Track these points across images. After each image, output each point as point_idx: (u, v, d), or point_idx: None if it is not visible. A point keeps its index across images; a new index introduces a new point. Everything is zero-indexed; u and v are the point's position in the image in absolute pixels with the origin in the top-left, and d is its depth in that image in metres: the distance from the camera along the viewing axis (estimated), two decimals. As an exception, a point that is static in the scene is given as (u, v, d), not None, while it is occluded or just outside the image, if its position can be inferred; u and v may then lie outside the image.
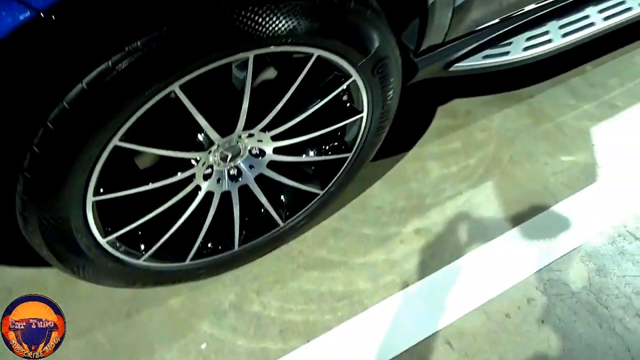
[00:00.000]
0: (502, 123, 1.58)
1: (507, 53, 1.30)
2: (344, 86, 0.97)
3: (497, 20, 1.19)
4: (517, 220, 1.39)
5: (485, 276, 1.28)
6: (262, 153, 1.06)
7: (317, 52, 0.86)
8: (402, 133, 1.50)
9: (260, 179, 1.10)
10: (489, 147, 1.53)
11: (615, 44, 1.78)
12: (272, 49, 0.81)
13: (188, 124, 0.87)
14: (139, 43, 0.69)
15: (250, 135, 1.00)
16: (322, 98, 0.98)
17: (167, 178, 0.94)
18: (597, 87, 1.67)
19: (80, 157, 0.76)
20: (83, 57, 0.68)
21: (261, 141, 1.03)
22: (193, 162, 0.96)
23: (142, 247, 1.03)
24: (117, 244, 0.98)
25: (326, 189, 1.20)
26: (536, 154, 1.52)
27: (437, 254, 1.33)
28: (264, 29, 0.76)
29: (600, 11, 1.39)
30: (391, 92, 1.05)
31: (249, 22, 0.74)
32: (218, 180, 1.05)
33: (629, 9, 1.42)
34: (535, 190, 1.46)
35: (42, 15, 0.60)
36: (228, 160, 1.02)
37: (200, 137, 0.93)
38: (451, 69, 1.26)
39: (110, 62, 0.68)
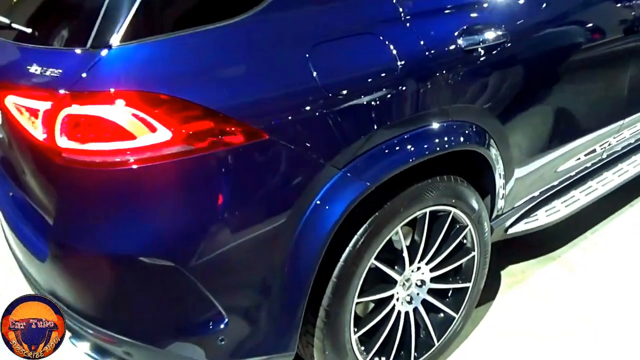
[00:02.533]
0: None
1: (537, 220, 2.12)
2: (465, 232, 1.74)
3: (521, 202, 2.04)
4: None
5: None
6: (423, 282, 1.74)
7: (453, 210, 1.66)
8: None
9: (424, 303, 1.75)
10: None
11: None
12: (435, 208, 1.61)
13: (397, 255, 1.60)
14: (388, 203, 1.47)
15: (418, 269, 1.70)
16: (454, 241, 1.74)
17: (380, 293, 1.61)
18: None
19: (361, 267, 1.46)
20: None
21: (423, 273, 1.72)
22: (394, 285, 1.64)
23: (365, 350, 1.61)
24: (358, 343, 1.56)
25: (460, 311, 1.83)
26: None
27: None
28: (434, 195, 1.57)
29: (581, 192, 2.28)
30: (487, 235, 1.81)
31: (429, 193, 1.56)
32: (402, 303, 1.70)
33: (596, 190, 2.32)
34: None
35: (370, 187, 1.39)
36: (406, 287, 1.69)
37: (398, 267, 1.64)
38: (508, 232, 2.05)
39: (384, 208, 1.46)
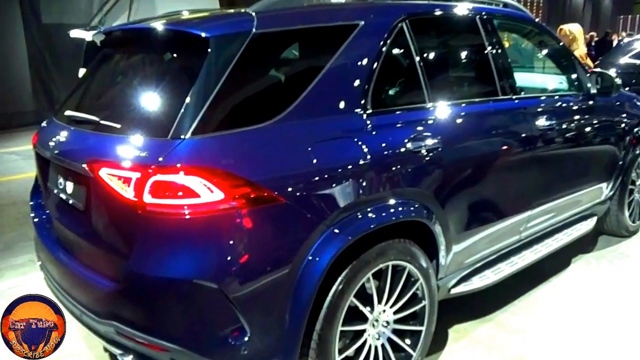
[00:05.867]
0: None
1: (472, 284, 2.72)
2: (418, 284, 2.31)
3: (459, 269, 2.65)
4: None
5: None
6: (388, 323, 2.27)
7: (409, 266, 2.25)
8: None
9: (389, 341, 2.26)
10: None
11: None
12: (395, 262, 2.19)
13: (370, 298, 2.14)
14: (362, 256, 2.05)
15: (384, 311, 2.23)
16: (410, 291, 2.30)
17: (357, 326, 2.12)
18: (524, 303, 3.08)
19: (343, 301, 1.99)
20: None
21: (388, 316, 2.25)
22: (366, 322, 2.16)
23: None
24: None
25: (416, 350, 2.34)
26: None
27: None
28: (394, 252, 2.16)
29: (506, 264, 2.92)
30: (434, 289, 2.39)
31: (391, 251, 2.15)
32: (372, 338, 2.20)
33: (517, 264, 2.97)
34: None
35: (351, 240, 1.97)
36: (375, 326, 2.21)
37: (368, 309, 2.17)
38: (451, 292, 2.64)
39: (359, 259, 2.03)
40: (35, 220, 2.55)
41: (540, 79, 3.73)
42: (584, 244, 3.83)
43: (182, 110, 1.80)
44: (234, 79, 1.88)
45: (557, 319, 2.99)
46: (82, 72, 7.48)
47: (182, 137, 1.76)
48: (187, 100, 1.81)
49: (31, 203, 2.66)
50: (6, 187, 5.88)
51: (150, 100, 2.01)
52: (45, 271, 2.39)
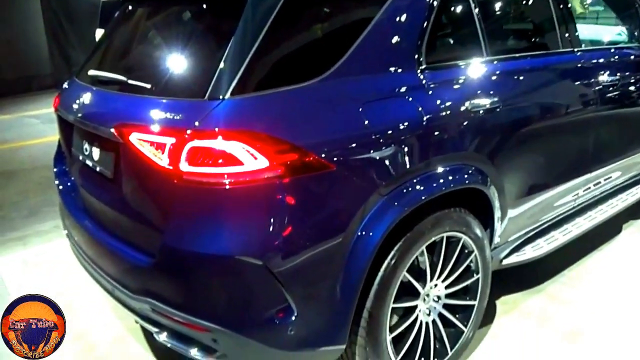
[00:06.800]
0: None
1: (525, 254, 2.53)
2: (472, 257, 2.13)
3: (513, 238, 2.46)
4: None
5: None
6: (439, 298, 2.10)
7: (464, 237, 2.06)
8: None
9: (439, 316, 2.10)
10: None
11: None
12: (450, 233, 2.00)
13: (422, 272, 1.97)
14: (416, 227, 1.87)
15: (435, 285, 2.07)
16: (464, 263, 2.12)
17: (408, 302, 1.96)
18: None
19: (396, 277, 1.82)
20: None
21: (439, 290, 2.09)
22: (417, 297, 1.99)
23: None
24: (392, 344, 1.89)
25: (468, 326, 2.18)
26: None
27: None
28: (449, 223, 1.98)
29: (559, 232, 2.71)
30: (488, 261, 2.20)
31: (446, 221, 1.96)
32: (423, 314, 2.05)
33: (571, 232, 2.76)
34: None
35: (407, 210, 1.78)
36: (426, 301, 2.05)
37: (420, 283, 2.00)
38: (503, 262, 2.46)
39: (413, 231, 1.85)
40: (60, 187, 2.41)
41: (600, 30, 3.40)
42: (635, 210, 3.58)
43: (220, 67, 1.60)
44: (276, 31, 1.66)
45: (609, 289, 2.81)
46: (99, 33, 7.20)
47: (221, 97, 1.57)
48: (225, 56, 1.60)
49: (55, 170, 2.52)
50: (27, 151, 5.79)
51: (183, 57, 1.80)
52: (72, 240, 2.26)
